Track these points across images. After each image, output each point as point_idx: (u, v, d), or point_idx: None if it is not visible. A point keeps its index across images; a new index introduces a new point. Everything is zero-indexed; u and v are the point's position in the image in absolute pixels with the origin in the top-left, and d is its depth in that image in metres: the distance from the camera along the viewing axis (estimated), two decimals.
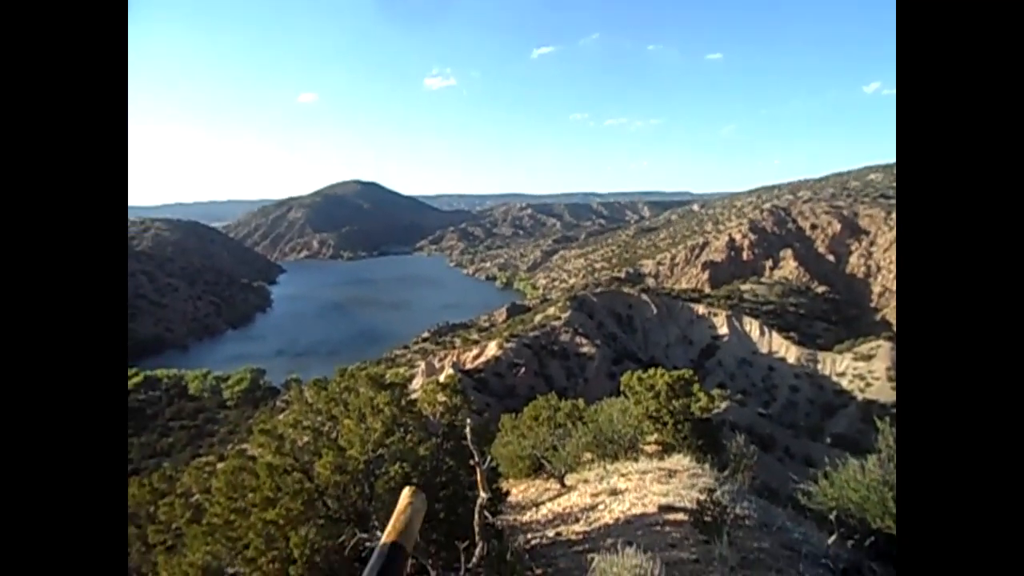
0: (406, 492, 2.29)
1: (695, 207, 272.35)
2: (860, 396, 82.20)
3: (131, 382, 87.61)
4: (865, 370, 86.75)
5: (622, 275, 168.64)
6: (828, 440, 60.59)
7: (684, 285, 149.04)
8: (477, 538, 3.43)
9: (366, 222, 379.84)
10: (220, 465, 8.14)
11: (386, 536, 2.06)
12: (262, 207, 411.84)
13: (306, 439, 7.36)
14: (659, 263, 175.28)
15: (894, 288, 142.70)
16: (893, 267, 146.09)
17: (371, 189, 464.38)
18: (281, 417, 7.99)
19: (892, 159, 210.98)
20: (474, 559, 3.46)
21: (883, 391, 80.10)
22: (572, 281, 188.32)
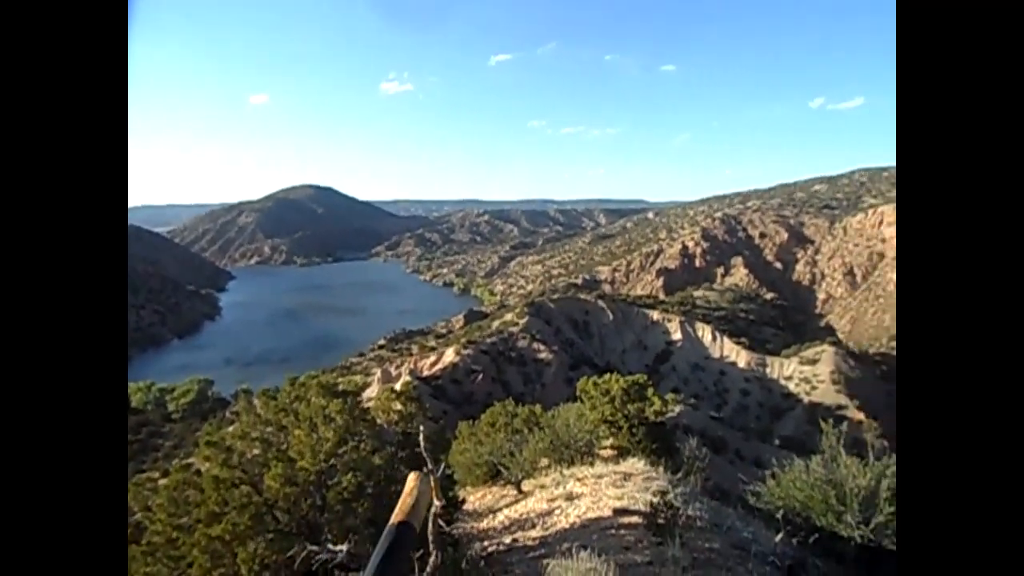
0: (412, 476, 2.40)
1: (650, 215, 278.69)
2: (806, 399, 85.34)
3: None
4: (810, 374, 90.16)
5: (579, 282, 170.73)
6: (776, 442, 62.61)
7: (639, 291, 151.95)
8: (431, 547, 3.38)
9: (320, 227, 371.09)
10: (163, 481, 7.78)
11: (394, 517, 2.12)
12: (210, 211, 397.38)
13: (255, 451, 7.12)
14: (615, 270, 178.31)
15: (837, 295, 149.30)
16: (836, 275, 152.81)
17: (325, 194, 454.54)
18: (230, 429, 7.71)
19: (835, 171, 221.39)
20: (428, 568, 3.41)
21: (827, 394, 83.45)
22: (529, 287, 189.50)
